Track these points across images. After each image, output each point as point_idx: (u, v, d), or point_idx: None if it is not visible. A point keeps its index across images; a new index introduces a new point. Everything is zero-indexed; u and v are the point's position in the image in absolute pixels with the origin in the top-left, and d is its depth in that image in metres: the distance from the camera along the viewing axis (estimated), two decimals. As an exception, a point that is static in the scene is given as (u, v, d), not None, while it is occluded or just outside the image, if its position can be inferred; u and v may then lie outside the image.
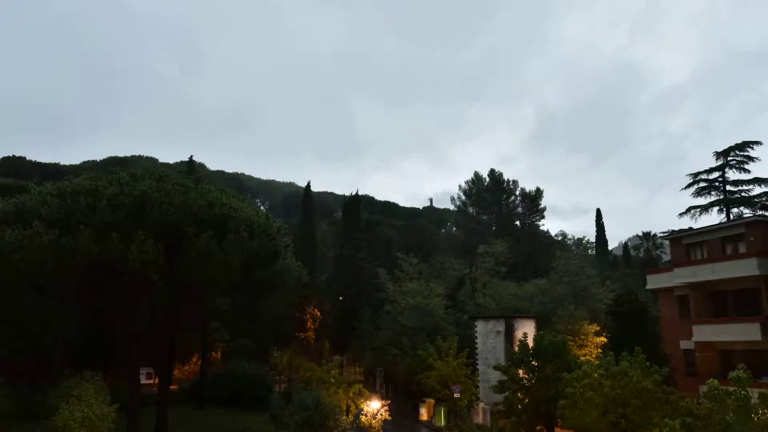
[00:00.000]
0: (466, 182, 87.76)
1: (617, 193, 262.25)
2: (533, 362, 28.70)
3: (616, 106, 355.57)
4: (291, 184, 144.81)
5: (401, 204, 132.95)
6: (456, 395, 35.82)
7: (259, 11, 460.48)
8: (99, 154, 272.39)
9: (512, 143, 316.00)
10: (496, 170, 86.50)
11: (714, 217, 46.98)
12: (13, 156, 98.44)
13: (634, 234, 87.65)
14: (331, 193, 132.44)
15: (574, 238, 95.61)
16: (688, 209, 47.55)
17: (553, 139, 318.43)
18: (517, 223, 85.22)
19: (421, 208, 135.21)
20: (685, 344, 32.64)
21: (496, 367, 31.59)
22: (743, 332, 28.52)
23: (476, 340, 41.02)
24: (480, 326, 41.55)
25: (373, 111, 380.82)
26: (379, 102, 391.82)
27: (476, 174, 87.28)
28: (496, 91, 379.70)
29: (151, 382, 42.13)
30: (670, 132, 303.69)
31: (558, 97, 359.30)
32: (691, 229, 36.56)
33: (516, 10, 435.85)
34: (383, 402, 30.80)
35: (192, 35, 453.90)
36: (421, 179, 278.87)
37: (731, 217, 44.50)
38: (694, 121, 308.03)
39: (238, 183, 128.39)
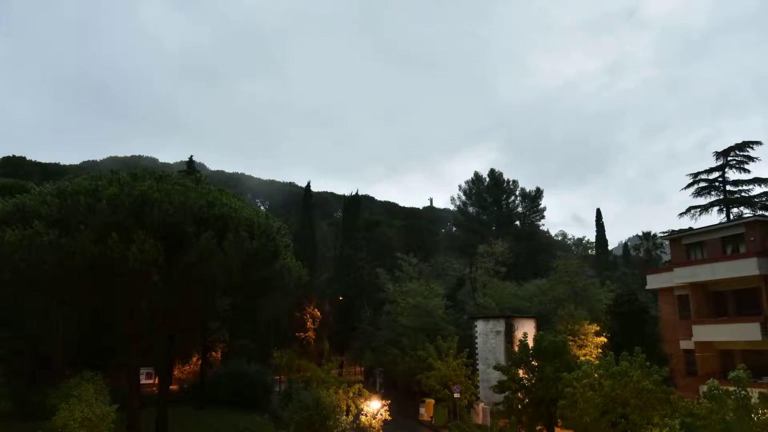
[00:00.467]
0: (466, 182, 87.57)
1: (609, 202, 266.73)
2: (533, 362, 28.66)
3: (601, 133, 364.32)
4: (291, 184, 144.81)
5: (401, 204, 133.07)
6: (456, 395, 35.80)
7: (261, 27, 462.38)
8: (99, 154, 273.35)
9: (507, 158, 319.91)
10: (496, 170, 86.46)
11: (714, 217, 47.07)
12: (13, 156, 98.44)
13: (634, 234, 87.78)
14: (331, 193, 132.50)
15: (574, 238, 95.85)
16: (688, 209, 47.60)
17: (540, 160, 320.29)
18: (517, 223, 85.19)
19: (420, 208, 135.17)
20: (685, 344, 32.63)
21: (496, 367, 31.55)
22: (743, 332, 28.51)
23: (476, 340, 40.98)
24: (480, 326, 41.52)
25: (374, 123, 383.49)
26: (379, 115, 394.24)
27: (476, 174, 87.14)
28: (488, 110, 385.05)
29: (151, 382, 42.21)
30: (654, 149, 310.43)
31: (538, 124, 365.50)
32: (691, 229, 36.55)
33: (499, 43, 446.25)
34: (383, 402, 30.75)
35: (195, 44, 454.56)
36: (417, 190, 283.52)
37: (731, 217, 44.51)
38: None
39: (238, 183, 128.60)
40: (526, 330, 36.37)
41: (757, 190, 45.30)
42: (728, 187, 46.25)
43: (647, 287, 38.25)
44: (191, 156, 62.64)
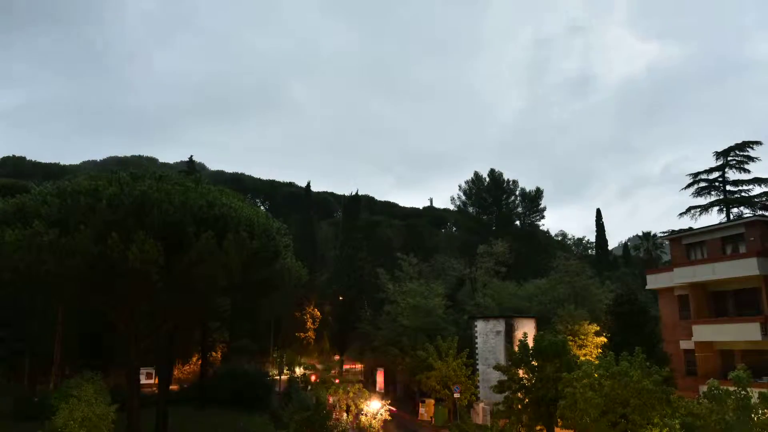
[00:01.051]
0: (466, 182, 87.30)
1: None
2: (533, 362, 28.65)
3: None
4: (291, 184, 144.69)
5: (401, 204, 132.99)
6: (456, 395, 35.79)
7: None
8: (99, 154, 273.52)
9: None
10: (496, 170, 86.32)
11: (714, 217, 47.00)
12: (14, 156, 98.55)
13: (634, 234, 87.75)
14: (331, 193, 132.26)
15: (574, 238, 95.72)
16: (688, 209, 47.49)
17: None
18: (517, 223, 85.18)
19: (421, 208, 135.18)
20: (685, 344, 32.62)
21: (496, 367, 31.53)
22: (743, 332, 28.50)
23: (476, 340, 40.95)
24: (480, 326, 41.50)
25: (372, 139, 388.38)
26: (377, 133, 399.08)
27: (476, 174, 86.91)
28: (477, 138, 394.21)
29: (151, 382, 42.20)
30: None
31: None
32: (691, 229, 36.51)
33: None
34: (383, 402, 30.77)
35: (195, 48, 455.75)
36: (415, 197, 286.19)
37: (731, 217, 44.46)
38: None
39: (238, 183, 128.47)
40: (526, 330, 36.34)
41: (757, 190, 45.22)
42: (728, 187, 46.18)
43: (647, 287, 38.23)
44: (191, 156, 62.86)
